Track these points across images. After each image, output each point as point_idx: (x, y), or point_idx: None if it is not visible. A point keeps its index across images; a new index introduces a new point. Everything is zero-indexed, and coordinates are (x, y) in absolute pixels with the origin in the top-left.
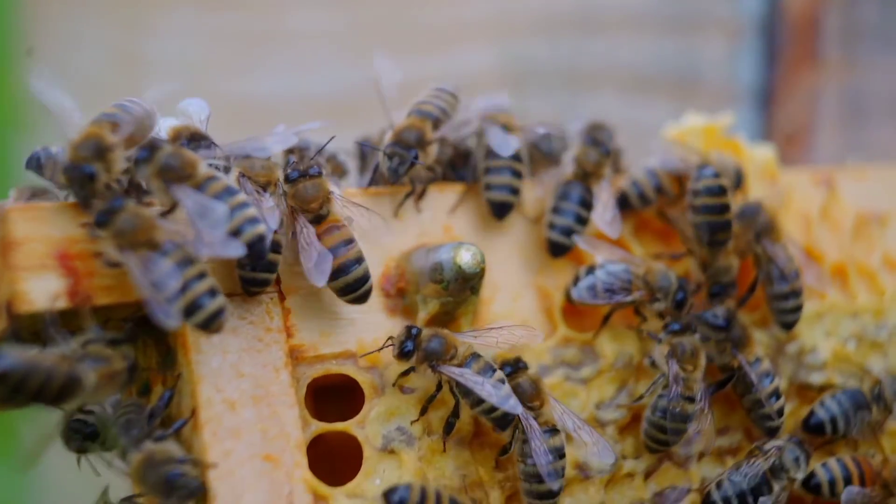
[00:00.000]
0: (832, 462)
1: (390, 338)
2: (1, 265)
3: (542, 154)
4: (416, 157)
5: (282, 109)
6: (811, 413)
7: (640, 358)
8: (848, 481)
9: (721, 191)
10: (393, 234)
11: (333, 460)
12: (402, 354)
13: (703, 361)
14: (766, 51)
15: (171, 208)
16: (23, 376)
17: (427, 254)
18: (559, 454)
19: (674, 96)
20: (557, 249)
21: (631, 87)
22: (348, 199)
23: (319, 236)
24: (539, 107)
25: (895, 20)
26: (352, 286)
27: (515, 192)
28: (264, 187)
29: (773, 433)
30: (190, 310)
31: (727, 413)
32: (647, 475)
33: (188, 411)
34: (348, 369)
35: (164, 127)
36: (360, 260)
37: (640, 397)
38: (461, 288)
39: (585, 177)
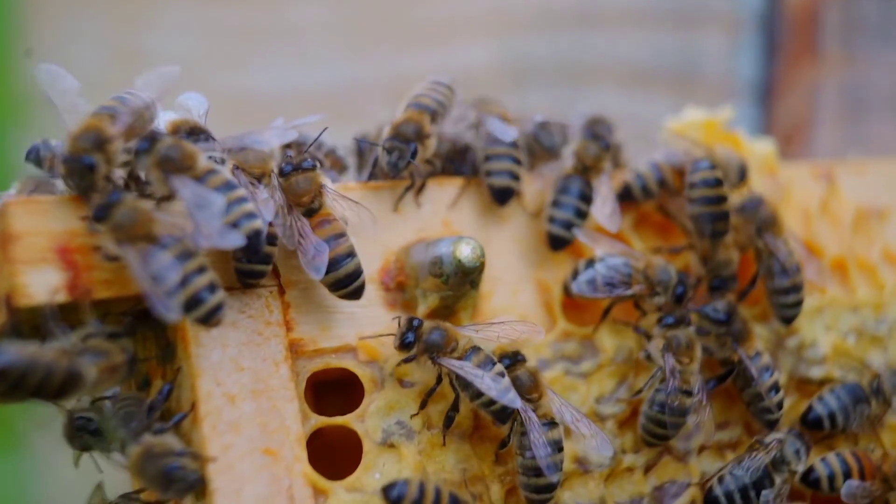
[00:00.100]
0: (831, 457)
1: (397, 317)
2: (0, 258)
3: (542, 148)
4: (415, 151)
5: (280, 103)
6: (809, 408)
7: (640, 352)
8: (847, 476)
9: (717, 182)
10: (389, 229)
11: (333, 454)
12: (403, 345)
13: (698, 353)
14: (766, 45)
15: (168, 197)
16: (23, 372)
17: (427, 248)
18: (558, 447)
19: (674, 91)
20: (557, 243)
21: (631, 81)
22: (339, 193)
23: (311, 229)
24: (539, 101)
25: (895, 15)
26: (343, 281)
27: (516, 177)
28: (259, 179)
29: (772, 426)
30: (190, 304)
31: (727, 407)
32: (647, 469)
33: (188, 405)
34: (348, 363)
35: (163, 121)
36: (351, 254)
37: (639, 391)
38: (461, 282)
39: (585, 171)
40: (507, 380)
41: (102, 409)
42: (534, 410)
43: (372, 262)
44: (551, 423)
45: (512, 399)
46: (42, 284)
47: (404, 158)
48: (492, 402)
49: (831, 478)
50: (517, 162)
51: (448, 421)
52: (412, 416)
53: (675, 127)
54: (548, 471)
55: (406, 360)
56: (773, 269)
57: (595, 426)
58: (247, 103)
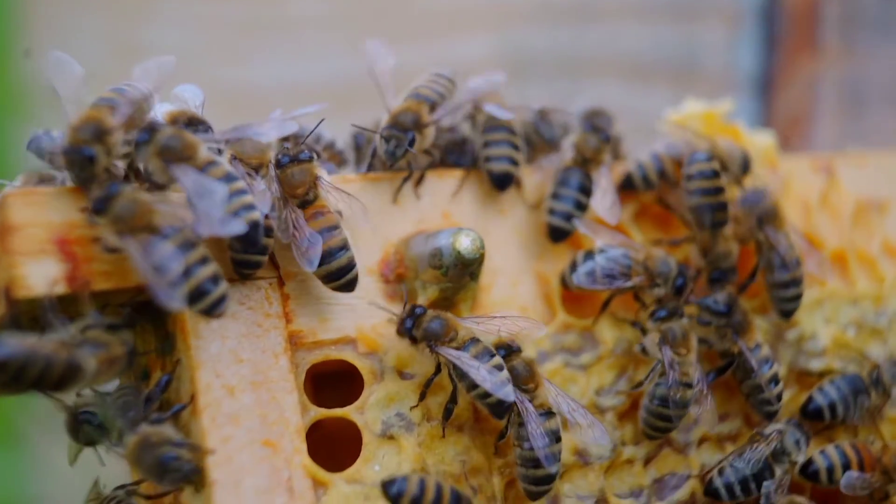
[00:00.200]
0: (830, 449)
1: (405, 300)
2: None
3: (541, 139)
4: (412, 140)
5: (279, 97)
6: (810, 399)
7: (635, 346)
8: (846, 468)
9: (713, 173)
10: (388, 221)
11: (333, 446)
12: (402, 331)
13: (694, 343)
14: (766, 38)
15: (167, 184)
16: (22, 364)
17: (426, 239)
18: (556, 437)
19: (673, 83)
20: (557, 234)
21: (630, 74)
22: (333, 185)
23: (305, 221)
24: (538, 94)
25: (894, 8)
26: (335, 274)
27: (515, 163)
28: (256, 170)
29: (771, 418)
30: (194, 296)
31: (726, 399)
32: (647, 461)
33: (187, 397)
34: (347, 355)
35: (160, 112)
36: (344, 247)
37: (640, 384)
38: (460, 274)
39: (585, 163)
40: (504, 373)
41: (105, 399)
42: (530, 401)
43: (371, 253)
44: (548, 413)
45: (507, 393)
46: (41, 276)
47: (402, 147)
48: (487, 394)
49: (830, 470)
50: (516, 148)
51: (447, 413)
52: (412, 408)
53: (676, 119)
54: (546, 461)
55: (403, 336)
56: (774, 263)
57: (592, 416)
58: (246, 97)
